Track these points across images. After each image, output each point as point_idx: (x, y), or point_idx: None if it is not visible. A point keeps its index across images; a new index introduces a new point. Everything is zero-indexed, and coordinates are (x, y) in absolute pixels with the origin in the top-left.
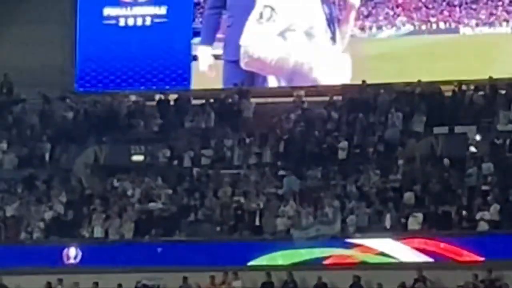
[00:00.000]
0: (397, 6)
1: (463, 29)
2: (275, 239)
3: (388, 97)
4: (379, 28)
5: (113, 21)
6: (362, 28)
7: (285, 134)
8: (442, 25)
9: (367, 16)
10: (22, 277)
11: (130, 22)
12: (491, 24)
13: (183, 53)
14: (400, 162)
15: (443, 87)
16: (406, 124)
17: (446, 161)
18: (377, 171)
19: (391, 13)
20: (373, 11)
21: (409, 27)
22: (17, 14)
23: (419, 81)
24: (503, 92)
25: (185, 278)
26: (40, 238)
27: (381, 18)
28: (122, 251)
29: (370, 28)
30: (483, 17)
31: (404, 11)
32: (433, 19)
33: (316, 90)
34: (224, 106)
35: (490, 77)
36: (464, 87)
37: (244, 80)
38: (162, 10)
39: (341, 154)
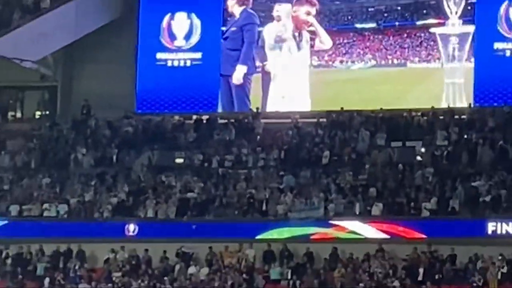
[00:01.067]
0: (366, 47)
1: (409, 64)
2: (276, 220)
3: (359, 120)
4: (353, 62)
5: (163, 63)
6: (341, 61)
7: (285, 145)
8: (395, 61)
9: (344, 54)
10: (95, 245)
11: (175, 63)
12: (428, 61)
13: (213, 86)
14: (367, 166)
15: (398, 113)
16: (372, 139)
17: (400, 166)
18: (350, 173)
19: (361, 52)
20: (349, 50)
21: (373, 62)
22: (93, 57)
23: (381, 108)
24: (441, 117)
25: (211, 247)
26: (108, 217)
27: (354, 55)
28: (167, 227)
29: (347, 62)
30: (423, 55)
31: (370, 51)
32: (389, 57)
33: (307, 114)
34: (242, 124)
35: (432, 107)
36: (413, 113)
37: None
38: (198, 55)
39: (325, 160)
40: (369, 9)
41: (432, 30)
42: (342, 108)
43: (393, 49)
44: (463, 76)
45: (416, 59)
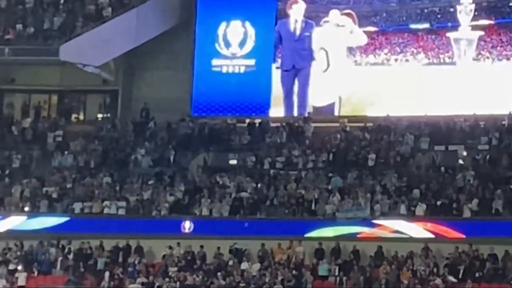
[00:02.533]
0: (419, 47)
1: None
2: (325, 219)
3: (404, 124)
4: (407, 60)
5: (218, 69)
6: (396, 60)
7: (333, 148)
8: (447, 59)
9: (399, 53)
10: (153, 241)
11: (230, 69)
12: (478, 60)
13: (265, 91)
14: (411, 169)
15: (441, 119)
16: (416, 143)
17: (442, 169)
18: (395, 175)
19: (415, 51)
20: (403, 49)
21: (426, 60)
22: (152, 62)
23: (425, 114)
24: (482, 123)
25: (262, 244)
26: (166, 214)
27: (408, 54)
28: (221, 225)
29: (401, 60)
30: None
31: (424, 50)
32: (441, 55)
33: (355, 118)
34: (293, 128)
35: (474, 113)
36: (455, 119)
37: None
38: (252, 62)
39: (371, 163)
40: (424, 10)
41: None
42: (387, 114)
43: (445, 48)
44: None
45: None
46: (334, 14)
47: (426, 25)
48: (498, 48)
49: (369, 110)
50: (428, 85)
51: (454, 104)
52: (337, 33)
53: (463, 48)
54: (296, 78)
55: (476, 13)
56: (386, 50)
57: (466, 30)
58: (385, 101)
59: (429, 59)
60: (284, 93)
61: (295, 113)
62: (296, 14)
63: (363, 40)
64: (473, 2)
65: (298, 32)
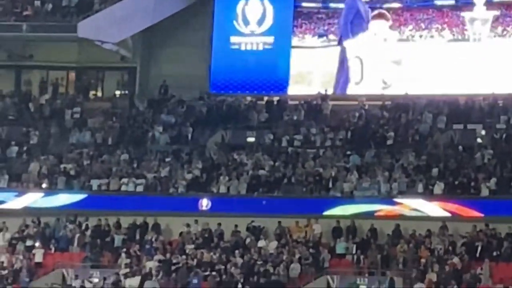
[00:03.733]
0: (444, 23)
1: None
2: (342, 197)
3: (422, 103)
4: (432, 36)
5: (237, 46)
6: (420, 36)
7: (351, 126)
8: (472, 35)
9: (424, 29)
10: (170, 218)
11: (249, 47)
12: (503, 36)
13: (284, 69)
14: (429, 147)
15: (459, 98)
16: (434, 121)
17: (460, 148)
18: (413, 153)
19: (440, 27)
20: (428, 26)
21: (450, 37)
22: (170, 39)
23: (443, 93)
24: (501, 102)
25: (279, 222)
26: (183, 192)
27: (433, 30)
28: (239, 203)
29: (426, 37)
30: (499, 31)
31: (448, 26)
32: (466, 32)
33: (373, 96)
34: (310, 106)
35: (493, 92)
36: (474, 98)
37: None
38: (270, 39)
39: (389, 141)
40: None
41: None
42: (406, 92)
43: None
44: None
45: (492, 34)
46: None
47: (451, 2)
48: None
49: (391, 88)
50: (451, 62)
51: (474, 82)
52: (374, 43)
53: (478, 27)
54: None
55: None
56: (411, 27)
57: (481, 10)
58: (408, 77)
59: (453, 35)
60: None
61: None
62: None
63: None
64: None
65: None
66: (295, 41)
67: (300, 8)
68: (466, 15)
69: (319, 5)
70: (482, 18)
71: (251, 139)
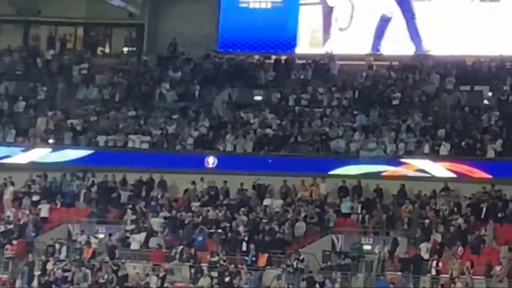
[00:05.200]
0: None
1: None
2: (348, 157)
3: (430, 63)
4: None
5: (245, 4)
6: None
7: (359, 86)
8: None
9: None
10: (176, 175)
11: (257, 5)
12: None
13: (292, 27)
14: (436, 108)
15: (467, 59)
16: (441, 82)
17: (467, 109)
18: (420, 114)
19: None
20: None
21: None
22: None
23: (451, 54)
24: (508, 64)
25: (285, 181)
26: (190, 149)
27: None
28: (245, 161)
29: None
30: None
31: None
32: None
33: (381, 56)
34: (318, 65)
35: (500, 54)
36: (481, 59)
37: None
38: None
39: (396, 101)
40: None
41: None
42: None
43: None
44: None
45: None
46: None
47: None
48: None
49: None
50: (459, 22)
51: (482, 43)
52: None
53: None
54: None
55: None
56: None
57: None
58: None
59: None
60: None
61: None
62: None
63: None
64: None
65: None
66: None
67: None
68: None
69: None
70: None
71: (258, 98)
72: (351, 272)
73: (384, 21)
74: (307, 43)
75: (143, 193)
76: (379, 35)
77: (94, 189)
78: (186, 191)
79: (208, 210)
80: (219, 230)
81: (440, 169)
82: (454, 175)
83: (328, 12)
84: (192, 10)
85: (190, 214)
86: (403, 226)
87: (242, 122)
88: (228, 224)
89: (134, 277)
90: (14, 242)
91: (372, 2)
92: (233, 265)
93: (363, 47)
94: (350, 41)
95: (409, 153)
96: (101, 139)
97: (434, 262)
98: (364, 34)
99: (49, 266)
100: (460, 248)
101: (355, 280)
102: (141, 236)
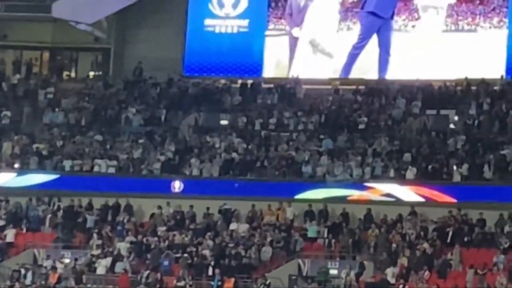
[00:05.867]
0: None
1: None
2: (315, 181)
3: (396, 87)
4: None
5: (211, 29)
6: (413, 26)
7: (325, 110)
8: (466, 26)
9: (417, 19)
10: (142, 200)
11: (223, 30)
12: (499, 27)
13: (258, 52)
14: (402, 132)
15: (433, 83)
16: (407, 106)
17: (433, 133)
18: (386, 138)
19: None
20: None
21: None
22: (145, 21)
23: (417, 78)
24: (474, 87)
25: (253, 205)
26: (156, 173)
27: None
28: (211, 185)
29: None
30: (494, 22)
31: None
32: (460, 22)
33: (347, 80)
34: (284, 89)
35: (466, 77)
36: (447, 83)
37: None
38: (245, 23)
39: (362, 125)
40: None
41: None
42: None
43: (464, 15)
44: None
45: (487, 25)
46: None
47: None
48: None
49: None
50: (424, 48)
51: (448, 67)
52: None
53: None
54: (379, 30)
55: None
56: None
57: None
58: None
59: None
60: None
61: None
62: None
63: None
64: None
65: None
66: (270, 27)
67: None
68: (419, 1)
69: None
70: (435, 6)
71: (224, 122)
72: None
73: (356, 49)
74: (273, 67)
75: (109, 218)
76: (351, 62)
77: (60, 213)
78: (152, 215)
79: (174, 235)
80: (185, 255)
81: (406, 193)
82: (420, 199)
83: (293, 41)
84: (159, 35)
85: (156, 238)
86: (369, 250)
87: (208, 147)
88: (194, 249)
89: None
90: None
91: (338, 30)
92: None
93: (329, 71)
94: (316, 66)
95: (376, 177)
96: (67, 164)
97: (401, 287)
98: (330, 59)
99: None
100: (427, 272)
101: None
102: (107, 261)
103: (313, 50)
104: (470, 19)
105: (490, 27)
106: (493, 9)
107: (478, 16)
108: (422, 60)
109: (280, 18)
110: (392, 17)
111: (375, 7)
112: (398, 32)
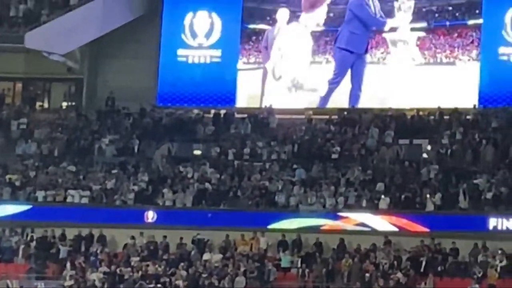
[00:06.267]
0: (416, 46)
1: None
2: (288, 211)
3: (369, 118)
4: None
5: (184, 59)
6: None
7: (298, 140)
8: (444, 59)
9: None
10: (116, 230)
11: (196, 60)
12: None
13: (231, 82)
14: (375, 162)
15: (406, 112)
16: (380, 136)
17: (406, 163)
18: (359, 168)
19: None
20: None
21: (422, 60)
22: (118, 51)
23: (390, 108)
24: (447, 117)
25: (226, 235)
26: (129, 204)
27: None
28: (184, 215)
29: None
30: (473, 55)
31: (420, 49)
32: (438, 55)
33: (320, 110)
34: (257, 119)
35: (439, 107)
36: (420, 112)
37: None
38: (218, 53)
39: (335, 155)
40: (422, 9)
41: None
42: (353, 106)
43: (442, 47)
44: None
45: (466, 57)
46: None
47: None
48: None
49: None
50: (397, 78)
51: (421, 97)
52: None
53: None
54: (352, 65)
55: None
56: None
57: (404, 32)
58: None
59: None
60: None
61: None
62: None
63: None
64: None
65: (375, 12)
66: (243, 60)
67: (248, 29)
68: (387, 36)
69: (266, 26)
70: (402, 39)
71: (197, 152)
72: None
73: (332, 84)
74: (246, 97)
75: (83, 248)
76: (327, 96)
77: (33, 244)
78: (125, 246)
79: (148, 265)
80: (159, 285)
81: (379, 223)
82: (394, 229)
83: (265, 73)
84: (131, 65)
85: (129, 269)
86: (343, 280)
87: (181, 177)
88: (168, 279)
89: None
90: None
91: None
92: None
93: (303, 102)
94: (290, 97)
95: (349, 207)
96: (40, 194)
97: None
98: (304, 89)
99: None
100: None
101: None
102: None
103: (294, 89)
104: (447, 51)
105: (468, 60)
106: (472, 42)
107: (456, 49)
108: (395, 91)
109: (255, 51)
110: (366, 52)
111: (347, 43)
112: (373, 65)
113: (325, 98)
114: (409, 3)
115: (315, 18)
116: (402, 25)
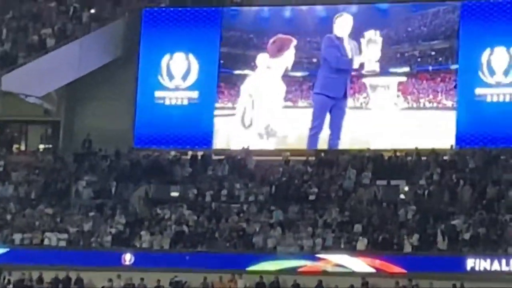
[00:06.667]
0: (399, 90)
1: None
2: (266, 253)
3: (346, 159)
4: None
5: (161, 101)
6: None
7: (275, 182)
8: (427, 104)
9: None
10: (93, 273)
11: (173, 101)
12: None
13: (208, 123)
14: (353, 203)
15: (384, 153)
16: (358, 177)
17: (384, 204)
18: (336, 209)
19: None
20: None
21: (405, 105)
22: (95, 93)
23: (368, 148)
24: (424, 158)
25: (204, 278)
26: (107, 246)
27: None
28: (162, 257)
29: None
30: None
31: (403, 94)
32: (422, 100)
33: (297, 152)
34: (235, 161)
35: (416, 147)
36: (398, 153)
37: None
38: (195, 94)
39: (312, 197)
40: (405, 54)
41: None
42: (330, 148)
43: (425, 92)
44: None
45: (450, 103)
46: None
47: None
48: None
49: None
50: (374, 119)
51: (398, 137)
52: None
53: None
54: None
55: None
56: None
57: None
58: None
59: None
60: (313, 123)
61: (324, 146)
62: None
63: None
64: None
65: (346, 52)
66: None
67: (224, 73)
68: (367, 81)
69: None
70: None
71: (175, 194)
72: None
73: (313, 130)
74: (224, 138)
75: None
76: (312, 144)
77: (10, 287)
78: None
79: None
80: None
81: (357, 264)
82: (372, 270)
83: (243, 113)
84: (108, 107)
85: None
86: None
87: (158, 219)
88: None
89: None
90: None
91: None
92: None
93: (279, 142)
94: (265, 137)
95: (327, 249)
96: (17, 237)
97: None
98: (277, 136)
99: None
100: None
101: None
102: None
103: (266, 137)
104: (431, 96)
105: (452, 105)
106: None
107: (439, 93)
108: (377, 134)
109: (231, 95)
110: (345, 97)
111: (323, 88)
112: (356, 110)
113: (312, 143)
114: (375, 37)
115: (283, 62)
116: (372, 59)
